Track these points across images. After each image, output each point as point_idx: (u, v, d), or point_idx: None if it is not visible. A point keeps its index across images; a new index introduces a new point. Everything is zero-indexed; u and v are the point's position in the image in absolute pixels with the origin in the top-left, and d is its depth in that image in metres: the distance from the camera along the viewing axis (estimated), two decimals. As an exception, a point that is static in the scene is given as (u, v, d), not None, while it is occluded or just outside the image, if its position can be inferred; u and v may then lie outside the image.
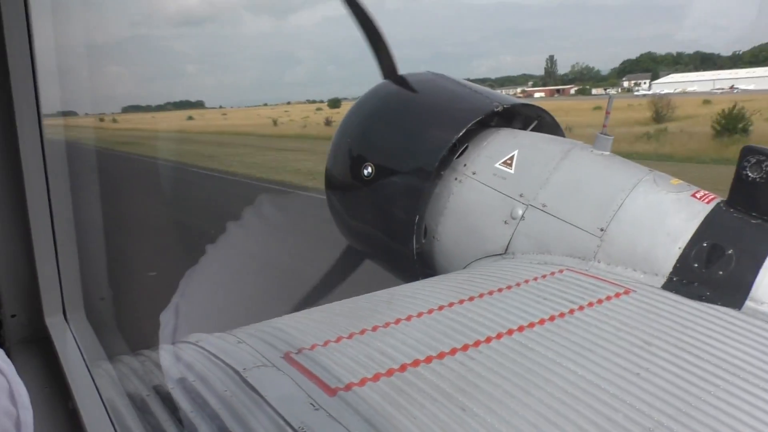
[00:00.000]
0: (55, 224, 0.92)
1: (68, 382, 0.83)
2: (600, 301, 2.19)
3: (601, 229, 2.62)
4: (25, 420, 0.63)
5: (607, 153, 2.99)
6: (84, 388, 0.82)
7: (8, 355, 0.94)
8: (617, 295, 2.25)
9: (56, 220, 0.92)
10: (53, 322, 0.94)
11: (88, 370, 0.86)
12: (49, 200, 0.92)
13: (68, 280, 0.97)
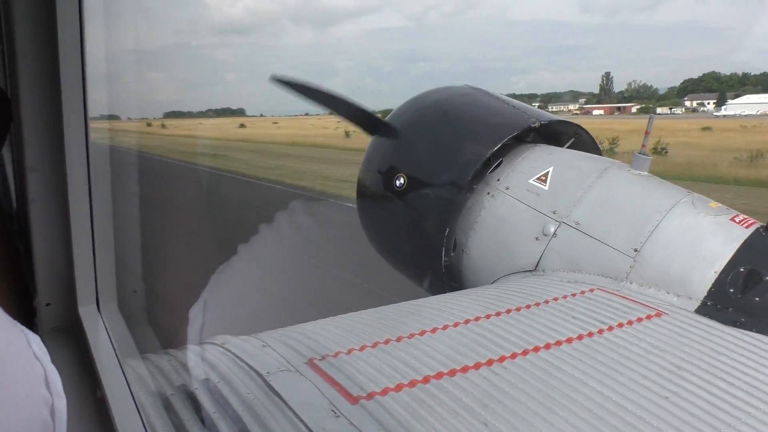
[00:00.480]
0: (94, 219, 0.96)
1: (98, 371, 0.86)
2: (630, 323, 2.15)
3: (635, 250, 2.57)
4: (59, 407, 0.65)
5: (645, 173, 2.94)
6: (113, 378, 0.85)
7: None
8: (649, 317, 2.21)
9: (95, 215, 0.96)
10: (86, 312, 0.98)
11: (118, 361, 0.89)
12: (90, 197, 0.96)
13: (103, 272, 1.01)
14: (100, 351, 0.91)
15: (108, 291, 1.02)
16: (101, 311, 1.00)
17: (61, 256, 0.99)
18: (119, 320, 1.07)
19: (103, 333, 0.96)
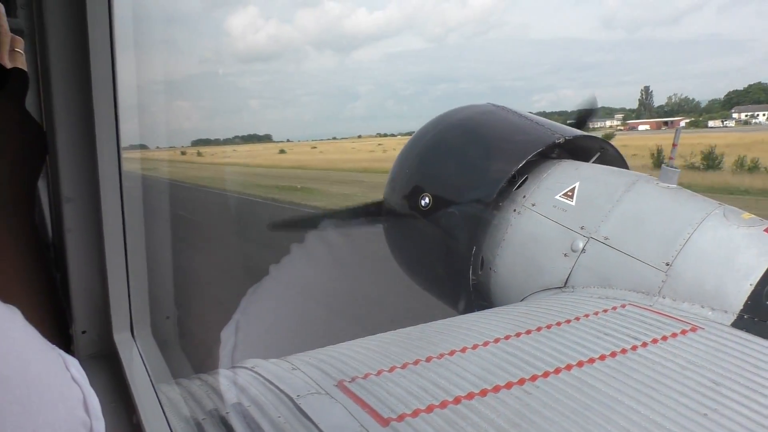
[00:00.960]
0: (128, 247, 0.99)
1: (133, 396, 0.88)
2: (665, 338, 2.10)
3: (667, 264, 2.53)
4: (97, 430, 0.67)
5: (674, 186, 2.90)
6: (148, 403, 0.86)
7: None
8: (683, 332, 2.16)
9: (129, 243, 0.99)
10: (121, 338, 1.00)
11: (153, 387, 0.91)
12: (124, 226, 0.99)
13: (137, 299, 1.03)
14: (135, 377, 0.93)
15: (142, 317, 1.04)
16: (135, 338, 1.02)
17: (96, 285, 1.01)
18: (153, 346, 1.09)
19: (137, 359, 0.98)
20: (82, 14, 0.93)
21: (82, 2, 0.92)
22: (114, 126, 0.95)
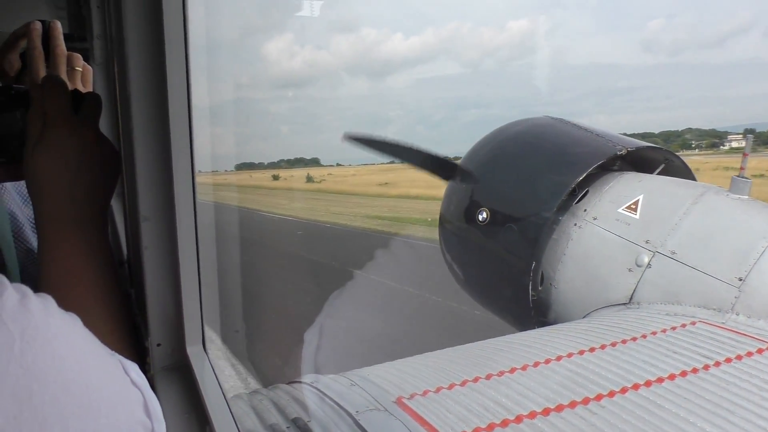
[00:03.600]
0: (201, 265, 1.04)
1: (206, 407, 0.92)
2: (739, 357, 2.00)
3: (740, 279, 2.41)
4: (158, 431, 0.69)
5: (746, 197, 2.77)
6: (220, 414, 0.90)
7: (152, 381, 1.05)
8: (760, 351, 2.05)
9: (202, 262, 1.04)
10: (194, 351, 1.05)
11: (225, 398, 0.95)
12: (197, 244, 1.04)
13: (208, 314, 1.08)
14: (207, 389, 0.96)
15: (213, 331, 1.08)
16: (207, 350, 1.07)
17: (171, 300, 1.06)
18: (223, 358, 1.14)
19: (209, 371, 1.02)
20: (160, 41, 0.99)
21: (159, 30, 0.98)
22: (189, 149, 1.01)
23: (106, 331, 0.83)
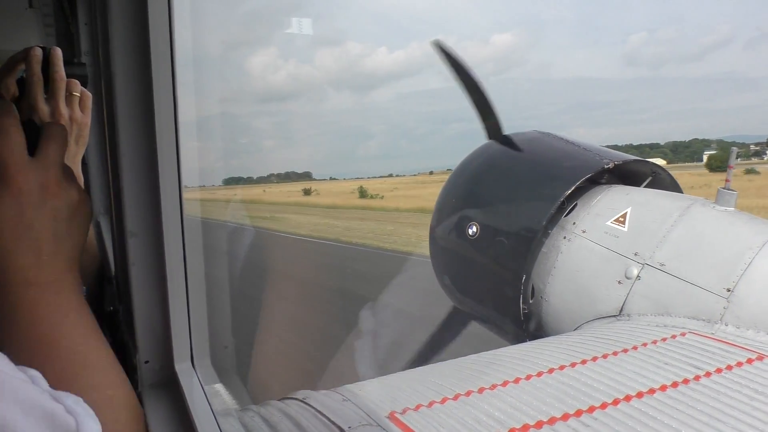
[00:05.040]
0: (188, 280, 1.04)
1: (195, 425, 0.91)
2: (730, 368, 2.01)
3: (728, 290, 2.43)
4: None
5: (731, 209, 2.80)
6: (209, 431, 0.89)
7: (141, 398, 1.04)
8: (749, 360, 2.05)
9: (190, 278, 1.04)
10: (182, 368, 1.04)
11: (213, 415, 0.94)
12: (185, 260, 1.03)
13: (197, 329, 1.07)
14: (196, 406, 0.95)
15: (201, 347, 1.07)
16: (195, 367, 1.06)
17: (159, 316, 1.06)
18: (212, 375, 1.12)
19: (198, 388, 1.01)
20: (146, 57, 0.99)
21: (146, 46, 0.98)
22: (176, 164, 1.01)
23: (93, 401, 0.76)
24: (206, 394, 1.00)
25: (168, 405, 1.01)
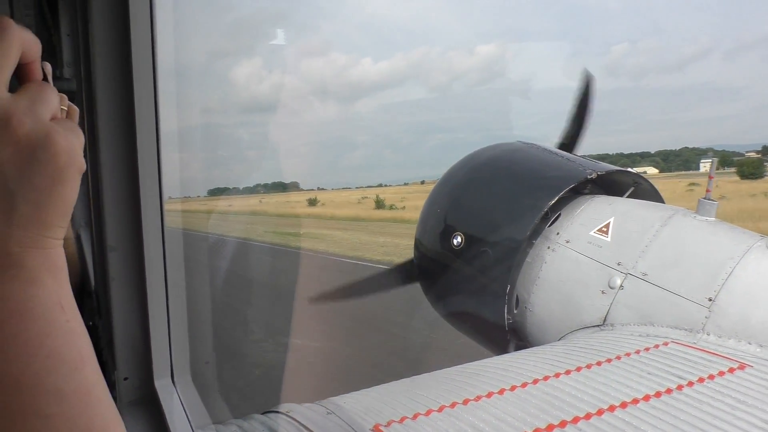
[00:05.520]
0: (169, 295, 1.02)
1: (174, 443, 0.89)
2: (712, 377, 2.02)
3: (710, 299, 2.45)
4: None
5: (712, 219, 2.83)
6: (188, 450, 0.88)
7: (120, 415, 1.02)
8: (731, 370, 2.07)
9: (170, 292, 1.02)
10: (162, 384, 1.02)
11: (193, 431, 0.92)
12: (166, 275, 1.02)
13: (177, 345, 1.05)
14: (175, 423, 0.94)
15: (182, 363, 1.06)
16: (176, 384, 1.04)
17: (138, 332, 1.04)
18: (193, 391, 1.11)
19: (178, 405, 0.99)
20: (127, 69, 0.98)
21: (128, 57, 0.98)
22: (157, 176, 0.99)
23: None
24: (186, 412, 0.98)
25: (147, 423, 0.99)
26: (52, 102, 0.65)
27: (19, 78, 0.65)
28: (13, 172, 0.58)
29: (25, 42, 0.63)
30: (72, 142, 0.63)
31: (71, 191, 0.63)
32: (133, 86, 0.98)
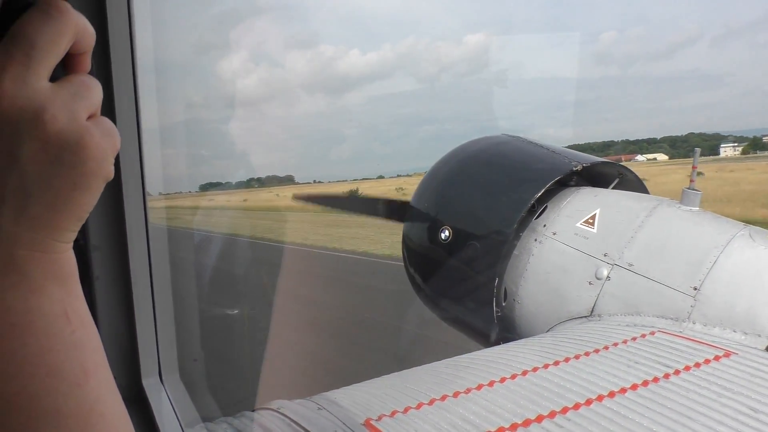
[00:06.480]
0: (155, 293, 1.01)
1: (163, 442, 0.88)
2: (698, 365, 2.05)
3: (695, 288, 2.48)
4: None
5: (696, 209, 2.86)
6: (177, 448, 0.87)
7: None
8: (717, 358, 2.10)
9: (156, 290, 1.01)
10: (150, 383, 1.01)
11: (183, 431, 0.91)
12: (151, 273, 1.01)
13: (165, 343, 1.04)
14: (164, 421, 0.93)
15: (170, 362, 1.05)
16: (164, 382, 1.03)
17: (125, 331, 1.03)
18: (181, 389, 1.10)
19: (166, 404, 0.98)
20: (106, 62, 0.96)
21: (106, 51, 0.96)
22: (139, 173, 0.98)
23: None
24: (175, 410, 0.97)
25: (135, 423, 0.98)
26: (94, 100, 0.59)
27: (66, 69, 0.59)
28: (34, 171, 0.53)
29: (80, 30, 0.57)
30: (104, 149, 0.58)
31: (91, 198, 0.58)
32: (112, 82, 0.96)
